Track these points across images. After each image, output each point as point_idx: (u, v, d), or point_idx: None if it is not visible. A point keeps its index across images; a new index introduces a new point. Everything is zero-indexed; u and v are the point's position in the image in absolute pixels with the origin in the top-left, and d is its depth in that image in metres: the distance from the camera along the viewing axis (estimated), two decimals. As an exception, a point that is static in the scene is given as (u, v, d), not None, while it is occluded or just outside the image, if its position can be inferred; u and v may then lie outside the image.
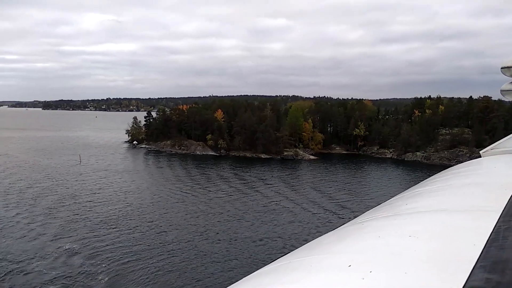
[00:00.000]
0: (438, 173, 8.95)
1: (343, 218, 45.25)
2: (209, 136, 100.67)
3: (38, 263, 32.08)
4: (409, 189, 6.97)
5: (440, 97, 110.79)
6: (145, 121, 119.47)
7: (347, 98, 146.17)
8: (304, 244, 4.47)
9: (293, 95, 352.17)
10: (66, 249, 34.79)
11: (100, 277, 30.11)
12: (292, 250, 3.91)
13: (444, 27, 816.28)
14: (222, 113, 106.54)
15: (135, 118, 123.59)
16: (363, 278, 2.48)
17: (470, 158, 74.37)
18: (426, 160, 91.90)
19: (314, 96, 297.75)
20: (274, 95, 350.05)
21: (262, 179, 69.84)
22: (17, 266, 31.29)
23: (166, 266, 32.46)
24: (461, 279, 2.25)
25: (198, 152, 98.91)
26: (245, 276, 3.42)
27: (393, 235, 3.56)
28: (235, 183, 65.65)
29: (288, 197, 56.15)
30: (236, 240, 39.05)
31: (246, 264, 33.02)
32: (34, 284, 28.90)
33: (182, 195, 56.32)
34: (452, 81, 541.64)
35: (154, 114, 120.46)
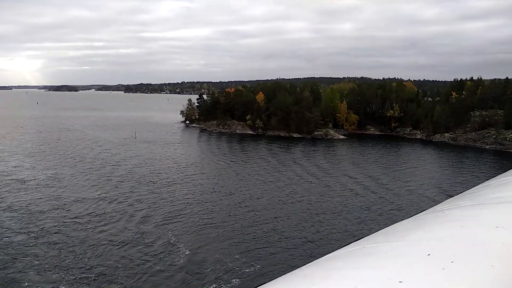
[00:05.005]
0: None
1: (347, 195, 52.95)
2: (248, 117, 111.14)
3: (82, 205, 44.81)
4: (495, 177, 6.66)
5: (480, 78, 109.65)
6: (197, 103, 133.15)
7: (423, 80, 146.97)
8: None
9: (361, 77, 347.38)
10: (104, 197, 46.99)
11: (135, 218, 41.80)
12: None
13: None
14: (263, 95, 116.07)
15: (189, 100, 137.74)
16: (444, 268, 2.34)
17: (496, 140, 77.19)
18: (453, 141, 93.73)
19: (383, 78, 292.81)
20: (342, 77, 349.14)
21: (282, 154, 78.89)
22: (70, 209, 44.29)
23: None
24: None
25: (238, 131, 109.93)
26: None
27: (478, 225, 3.37)
28: (260, 157, 75.16)
29: (301, 172, 63.75)
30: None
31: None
32: (72, 223, 41.42)
33: (209, 163, 67.64)
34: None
35: (205, 96, 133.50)
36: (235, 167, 66.26)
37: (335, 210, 43.88)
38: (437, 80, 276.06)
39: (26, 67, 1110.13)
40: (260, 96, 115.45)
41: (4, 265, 29.22)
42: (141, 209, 42.94)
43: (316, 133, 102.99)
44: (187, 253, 32.87)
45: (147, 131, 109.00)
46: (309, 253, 31.58)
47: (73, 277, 27.87)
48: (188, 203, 45.46)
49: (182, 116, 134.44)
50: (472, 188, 5.97)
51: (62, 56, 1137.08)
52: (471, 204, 4.40)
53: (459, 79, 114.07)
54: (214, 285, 27.22)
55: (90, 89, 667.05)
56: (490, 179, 6.47)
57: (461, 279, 2.27)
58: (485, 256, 2.56)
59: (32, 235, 35.75)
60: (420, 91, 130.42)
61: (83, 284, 27.09)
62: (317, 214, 42.39)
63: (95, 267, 29.41)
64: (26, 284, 26.74)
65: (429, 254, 2.60)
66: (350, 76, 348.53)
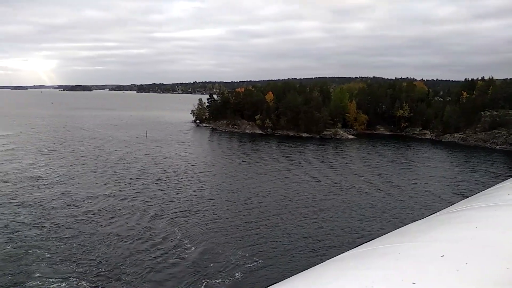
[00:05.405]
0: None
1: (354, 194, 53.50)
2: (257, 116, 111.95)
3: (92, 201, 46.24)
4: (510, 179, 6.54)
5: (492, 78, 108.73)
6: (207, 102, 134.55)
7: (436, 79, 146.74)
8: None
9: (373, 76, 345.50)
10: (115, 194, 48.45)
11: (138, 210, 43.16)
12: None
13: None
14: (272, 95, 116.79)
15: (200, 100, 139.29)
16: (458, 270, 2.31)
17: (507, 141, 77.13)
18: (463, 141, 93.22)
19: (395, 77, 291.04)
20: (354, 76, 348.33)
21: (291, 153, 79.53)
22: (83, 201, 45.75)
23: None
24: None
25: (247, 131, 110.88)
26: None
27: (493, 227, 3.34)
28: (268, 156, 75.90)
29: (309, 171, 64.45)
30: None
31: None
32: (82, 211, 42.79)
33: (218, 162, 68.66)
34: None
35: (215, 96, 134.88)
36: (243, 166, 67.17)
37: (341, 208, 44.37)
38: (451, 79, 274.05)
39: (41, 67, 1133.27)
40: (269, 96, 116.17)
41: (17, 257, 30.54)
42: (151, 206, 44.09)
43: (325, 132, 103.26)
44: (193, 249, 33.82)
45: (158, 130, 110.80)
46: (311, 248, 32.29)
47: (83, 270, 29.01)
48: (196, 200, 46.47)
49: (193, 115, 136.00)
50: (486, 190, 5.91)
51: (75, 56, 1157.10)
52: (486, 205, 4.37)
53: (470, 78, 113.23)
54: (217, 280, 28.07)
55: (104, 88, 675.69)
56: (505, 181, 6.36)
57: (475, 281, 2.22)
58: (500, 258, 2.51)
59: (45, 229, 37.07)
60: (430, 90, 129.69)
61: (93, 276, 28.20)
62: (321, 211, 42.97)
63: (105, 261, 30.54)
64: (38, 275, 27.95)
65: (442, 256, 2.59)
66: (362, 76, 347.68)
